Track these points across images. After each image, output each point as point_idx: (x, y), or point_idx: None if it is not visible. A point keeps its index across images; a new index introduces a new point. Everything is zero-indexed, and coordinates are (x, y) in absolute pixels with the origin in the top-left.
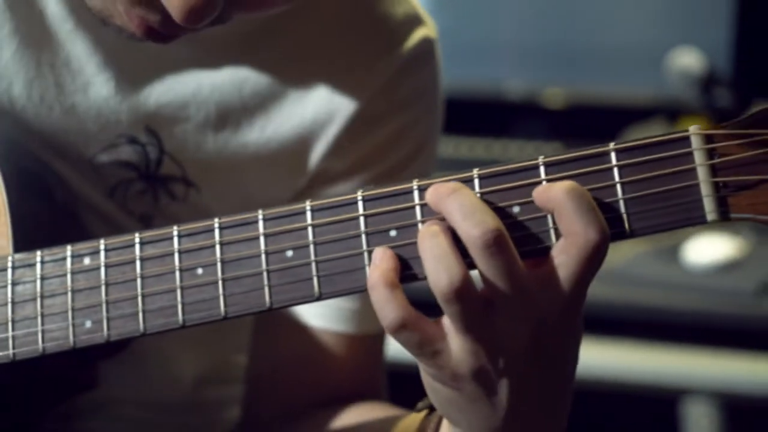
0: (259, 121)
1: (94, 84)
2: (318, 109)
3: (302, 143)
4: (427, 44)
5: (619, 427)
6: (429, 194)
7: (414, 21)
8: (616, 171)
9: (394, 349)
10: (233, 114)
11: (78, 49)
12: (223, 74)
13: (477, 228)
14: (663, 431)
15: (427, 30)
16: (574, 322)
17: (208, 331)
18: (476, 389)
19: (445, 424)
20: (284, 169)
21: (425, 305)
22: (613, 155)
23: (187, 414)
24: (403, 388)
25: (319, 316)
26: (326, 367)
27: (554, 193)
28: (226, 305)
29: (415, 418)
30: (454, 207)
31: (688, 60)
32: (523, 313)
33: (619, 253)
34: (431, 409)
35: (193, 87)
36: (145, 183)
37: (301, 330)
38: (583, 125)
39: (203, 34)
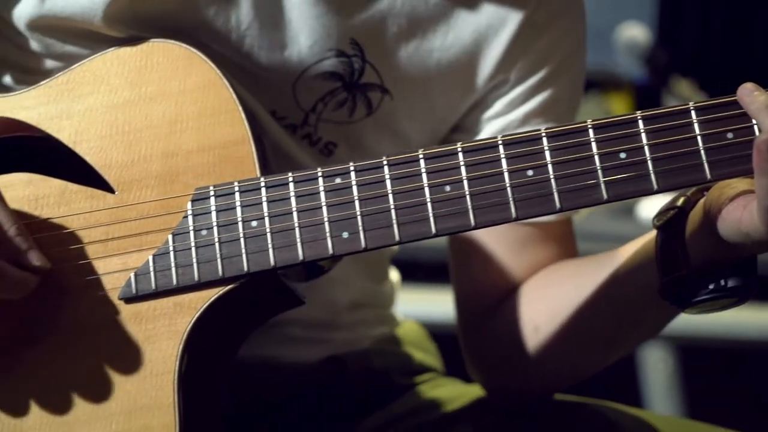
0: (442, 28)
1: (307, 3)
2: (491, 15)
3: (478, 48)
4: None
5: None
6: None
7: None
8: None
9: None
10: (421, 23)
11: None
12: None
13: None
14: (622, 377)
15: None
16: None
17: (357, 264)
18: None
19: (695, 219)
20: (462, 76)
21: None
22: None
23: (338, 332)
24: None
25: None
26: (540, 251)
27: None
28: (474, 216)
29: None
30: None
31: (634, 32)
32: None
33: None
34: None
35: (388, 1)
36: (347, 92)
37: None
38: None
39: None
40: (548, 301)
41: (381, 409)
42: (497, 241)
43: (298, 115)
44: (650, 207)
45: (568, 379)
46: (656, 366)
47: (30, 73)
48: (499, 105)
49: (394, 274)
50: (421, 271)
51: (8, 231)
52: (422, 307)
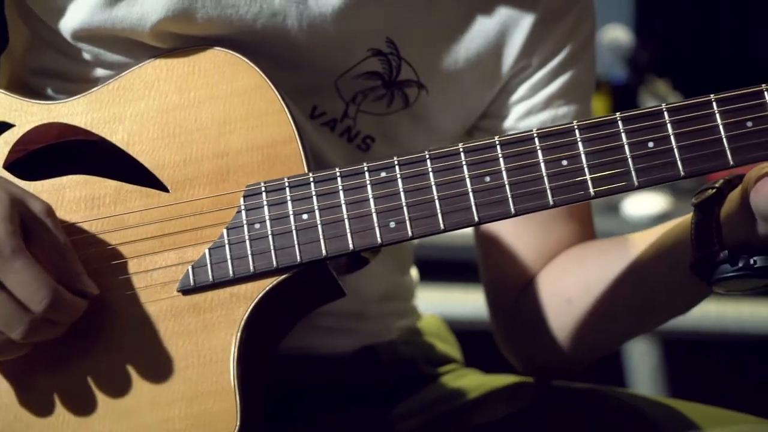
0: (466, 21)
1: (345, 5)
2: (512, 5)
3: (502, 38)
4: None
5: None
6: None
7: None
8: None
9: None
10: (448, 18)
11: None
12: None
13: None
14: (607, 370)
15: None
16: None
17: (386, 257)
18: None
19: (732, 199)
20: (489, 66)
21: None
22: None
23: (367, 322)
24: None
25: None
26: (564, 229)
27: None
28: (514, 204)
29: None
30: None
31: (617, 34)
32: None
33: None
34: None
35: None
36: (386, 89)
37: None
38: None
39: None
40: (581, 274)
41: (407, 399)
42: (524, 223)
43: (339, 107)
44: (635, 204)
45: (602, 351)
46: (642, 359)
47: (75, 81)
48: (522, 89)
49: (413, 269)
50: (436, 269)
51: (65, 256)
52: (436, 304)
